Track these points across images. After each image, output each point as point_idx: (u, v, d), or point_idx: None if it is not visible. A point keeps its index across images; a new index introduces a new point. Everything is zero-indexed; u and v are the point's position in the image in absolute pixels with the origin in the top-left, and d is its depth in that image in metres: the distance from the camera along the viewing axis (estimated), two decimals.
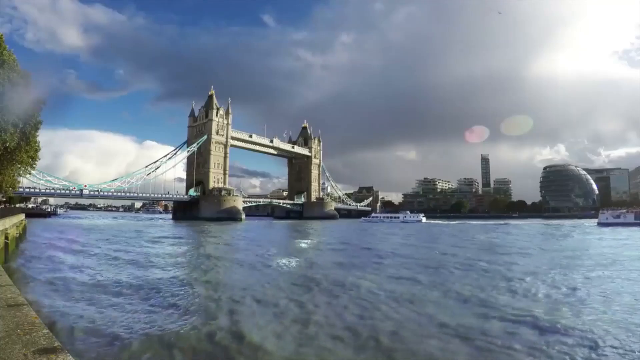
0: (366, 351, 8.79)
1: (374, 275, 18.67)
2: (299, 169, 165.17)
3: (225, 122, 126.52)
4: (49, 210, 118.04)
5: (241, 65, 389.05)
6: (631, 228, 62.42)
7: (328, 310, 12.06)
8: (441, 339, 9.37)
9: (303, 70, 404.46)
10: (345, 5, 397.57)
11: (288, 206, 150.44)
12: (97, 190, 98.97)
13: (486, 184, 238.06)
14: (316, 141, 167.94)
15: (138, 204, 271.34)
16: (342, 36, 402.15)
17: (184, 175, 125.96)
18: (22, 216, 39.93)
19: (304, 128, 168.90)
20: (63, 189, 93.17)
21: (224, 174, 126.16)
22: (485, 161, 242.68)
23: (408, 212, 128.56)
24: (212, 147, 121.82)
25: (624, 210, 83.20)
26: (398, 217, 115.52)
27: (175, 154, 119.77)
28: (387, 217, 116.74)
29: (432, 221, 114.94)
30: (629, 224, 71.07)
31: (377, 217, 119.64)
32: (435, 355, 8.56)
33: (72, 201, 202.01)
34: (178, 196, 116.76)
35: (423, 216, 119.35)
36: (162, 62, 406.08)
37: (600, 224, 77.43)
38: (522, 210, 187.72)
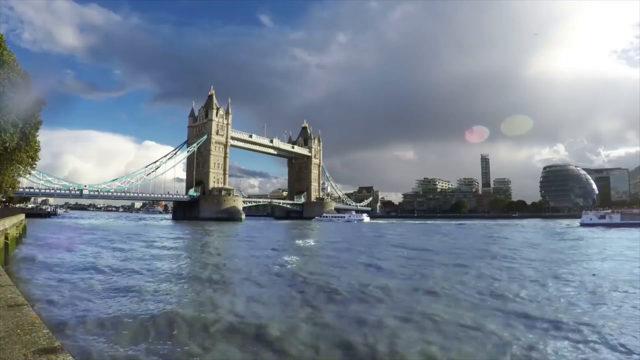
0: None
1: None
2: (298, 168, 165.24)
3: (225, 122, 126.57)
4: (48, 210, 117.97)
5: (238, 65, 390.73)
6: (619, 229, 60.02)
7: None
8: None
9: (300, 70, 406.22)
10: (341, 5, 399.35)
11: (288, 206, 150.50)
12: (97, 191, 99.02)
13: (486, 184, 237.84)
14: (316, 141, 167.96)
15: (138, 204, 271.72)
16: (339, 36, 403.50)
17: (183, 176, 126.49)
18: (22, 216, 39.96)
19: (304, 128, 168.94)
20: (63, 189, 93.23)
21: (224, 174, 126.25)
22: (485, 161, 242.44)
23: (353, 212, 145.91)
24: (212, 147, 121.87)
25: (609, 211, 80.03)
26: (343, 217, 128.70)
27: (175, 154, 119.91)
28: (335, 217, 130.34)
29: (375, 220, 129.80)
30: (615, 224, 68.28)
31: (326, 216, 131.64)
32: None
33: (72, 201, 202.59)
34: (178, 196, 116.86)
35: (367, 216, 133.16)
36: (158, 62, 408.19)
37: (583, 225, 74.02)
38: (522, 210, 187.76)
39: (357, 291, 14.73)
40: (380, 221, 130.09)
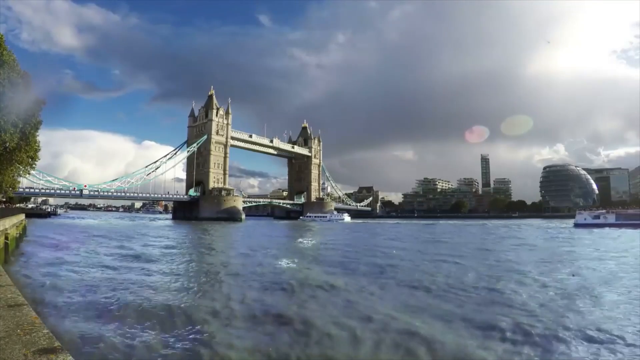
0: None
1: None
2: (298, 168, 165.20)
3: (225, 122, 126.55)
4: (48, 210, 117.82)
5: (237, 65, 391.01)
6: (615, 230, 58.70)
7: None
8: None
9: (299, 70, 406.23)
10: (340, 5, 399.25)
11: (288, 206, 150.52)
12: (97, 191, 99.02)
13: (486, 184, 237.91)
14: (316, 141, 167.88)
15: (138, 204, 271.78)
16: (338, 36, 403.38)
17: (183, 176, 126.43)
18: (22, 216, 39.97)
19: (304, 128, 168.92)
20: (63, 189, 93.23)
21: (224, 174, 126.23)
22: (485, 161, 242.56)
23: (335, 212, 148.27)
24: (212, 147, 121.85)
25: (604, 211, 78.51)
26: (326, 217, 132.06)
27: (175, 154, 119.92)
28: (318, 217, 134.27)
29: (355, 220, 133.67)
30: (610, 225, 66.93)
31: (310, 216, 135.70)
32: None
33: (72, 201, 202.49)
34: (178, 196, 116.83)
35: (348, 216, 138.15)
36: (157, 62, 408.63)
37: (577, 225, 72.67)
38: (522, 210, 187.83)
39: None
40: (360, 220, 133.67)
